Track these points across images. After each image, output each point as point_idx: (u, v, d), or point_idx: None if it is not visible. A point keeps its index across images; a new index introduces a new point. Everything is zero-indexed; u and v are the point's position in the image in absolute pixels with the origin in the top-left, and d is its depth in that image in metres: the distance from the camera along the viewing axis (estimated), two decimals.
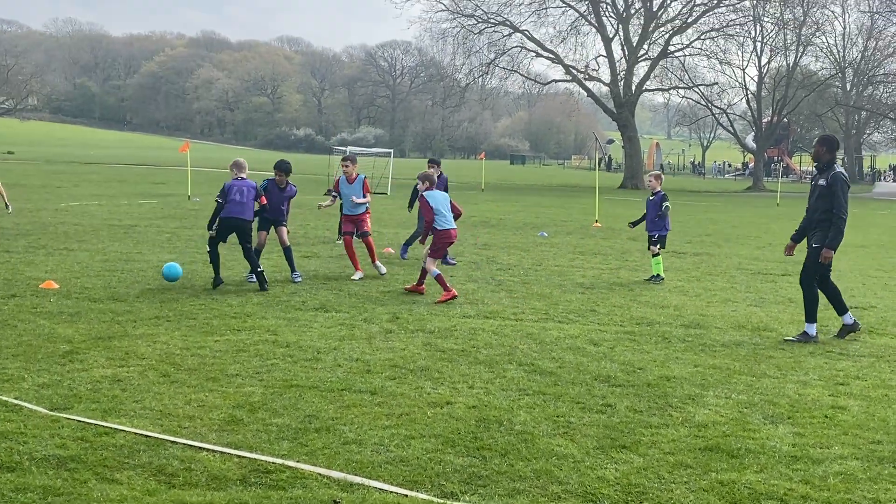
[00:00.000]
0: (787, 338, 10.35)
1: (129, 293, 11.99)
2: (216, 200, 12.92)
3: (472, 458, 5.98)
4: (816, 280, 10.42)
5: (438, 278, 12.21)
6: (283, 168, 13.79)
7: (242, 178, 13.09)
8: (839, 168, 10.33)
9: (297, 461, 5.79)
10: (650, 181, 15.31)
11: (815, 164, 10.57)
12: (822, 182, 10.33)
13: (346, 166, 14.66)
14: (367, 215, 14.92)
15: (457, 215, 13.03)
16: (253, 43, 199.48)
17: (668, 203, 14.99)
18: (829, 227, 10.24)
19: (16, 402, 6.87)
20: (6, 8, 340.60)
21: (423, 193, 12.80)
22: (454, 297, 12.13)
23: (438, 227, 12.63)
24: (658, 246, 14.95)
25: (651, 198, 15.10)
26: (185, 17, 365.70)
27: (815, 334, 10.28)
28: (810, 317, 10.32)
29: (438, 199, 12.73)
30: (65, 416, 6.58)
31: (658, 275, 14.85)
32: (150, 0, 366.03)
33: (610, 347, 9.55)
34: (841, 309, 10.52)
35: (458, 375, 8.13)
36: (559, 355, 9.08)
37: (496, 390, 7.69)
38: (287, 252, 13.76)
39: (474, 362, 8.67)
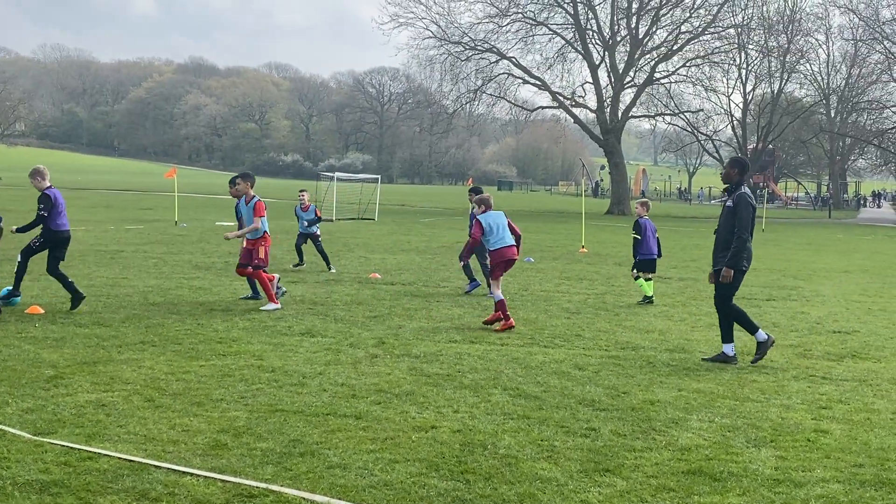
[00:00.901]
0: (704, 357, 10.50)
1: (114, 318, 11.97)
2: (43, 214, 12.57)
3: (456, 482, 5.99)
4: (724, 301, 10.45)
5: (500, 304, 12.20)
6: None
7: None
8: (745, 189, 10.42)
9: (281, 485, 5.79)
10: (637, 208, 15.70)
11: (725, 186, 10.69)
12: (729, 203, 10.46)
13: (236, 185, 13.95)
14: (265, 243, 13.89)
15: (517, 236, 12.87)
16: (241, 69, 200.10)
17: (633, 233, 15.48)
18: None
19: None
20: None
21: (479, 216, 12.73)
22: (512, 327, 12.11)
23: (492, 248, 12.59)
24: (635, 270, 15.42)
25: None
26: (175, 44, 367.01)
27: (733, 354, 10.34)
28: (752, 329, 10.40)
29: (492, 221, 12.61)
30: (48, 440, 6.56)
31: (647, 297, 15.20)
32: (138, 27, 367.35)
33: (595, 372, 9.58)
34: (751, 328, 10.48)
35: (444, 400, 8.15)
36: (544, 380, 9.11)
37: (481, 414, 7.71)
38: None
39: (459, 387, 8.69)
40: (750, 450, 6.89)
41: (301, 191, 20.11)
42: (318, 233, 19.65)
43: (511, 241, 12.65)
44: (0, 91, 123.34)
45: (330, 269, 18.82)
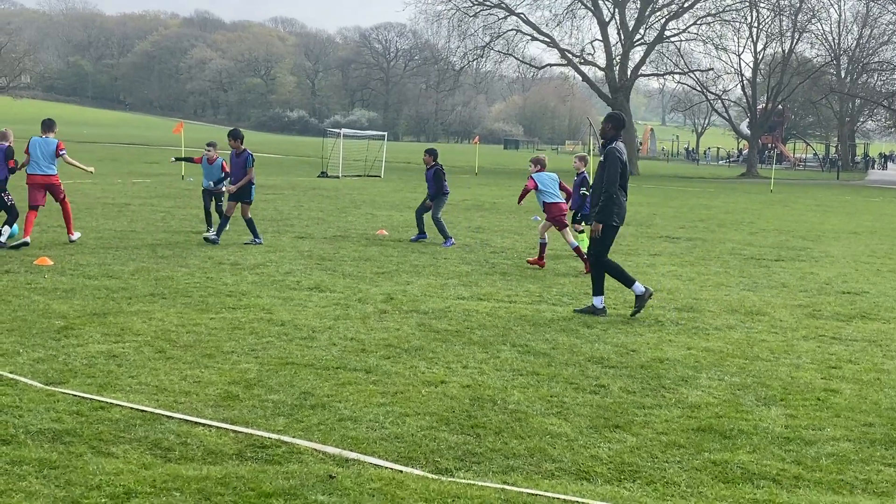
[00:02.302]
0: (576, 308, 10.63)
1: (123, 270, 11.98)
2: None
3: (466, 436, 6.01)
4: (598, 256, 10.48)
5: (543, 246, 14.31)
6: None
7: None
8: (616, 144, 10.39)
9: (293, 437, 5.82)
10: (575, 163, 15.48)
11: (601, 141, 10.73)
12: (601, 158, 10.47)
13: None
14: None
15: (567, 194, 14.91)
16: (247, 23, 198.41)
17: (584, 189, 15.29)
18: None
19: (11, 376, 6.88)
20: None
21: (532, 175, 14.40)
22: (542, 265, 14.18)
23: (548, 201, 14.30)
24: (582, 224, 15.66)
25: (575, 178, 15.35)
26: None
27: (602, 307, 10.45)
28: (628, 281, 10.42)
29: (544, 180, 14.39)
30: (60, 390, 6.59)
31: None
32: None
33: (603, 330, 9.58)
34: (627, 282, 10.50)
35: (453, 355, 8.16)
36: (553, 337, 9.12)
37: (490, 370, 7.72)
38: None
39: (468, 343, 8.69)
40: (760, 408, 6.90)
41: (208, 144, 17.18)
42: (224, 190, 16.36)
43: (560, 198, 14.48)
44: (5, 43, 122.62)
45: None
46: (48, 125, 15.01)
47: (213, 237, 15.31)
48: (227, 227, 15.71)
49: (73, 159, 15.15)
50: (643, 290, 10.41)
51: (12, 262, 12.25)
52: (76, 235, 14.95)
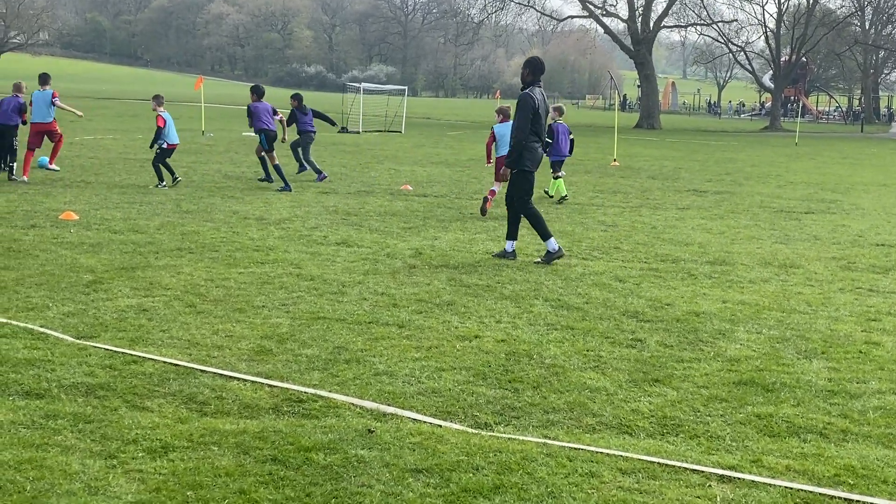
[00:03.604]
0: (492, 253, 10.75)
1: (149, 225, 11.92)
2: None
3: (504, 391, 5.92)
4: (517, 202, 10.48)
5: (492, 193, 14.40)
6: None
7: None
8: (530, 90, 10.22)
9: (330, 391, 5.74)
10: (552, 114, 15.39)
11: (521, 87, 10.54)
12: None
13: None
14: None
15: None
16: None
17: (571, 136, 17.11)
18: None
19: (42, 329, 6.83)
20: None
21: (493, 127, 14.75)
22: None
23: (501, 154, 13.98)
24: (553, 171, 16.77)
25: (559, 126, 16.55)
26: None
27: (511, 251, 10.54)
28: (544, 235, 10.45)
29: (504, 132, 13.71)
30: (92, 344, 6.54)
31: (563, 196, 16.66)
32: None
33: (636, 284, 9.44)
34: (544, 235, 10.49)
35: (485, 310, 8.05)
36: (585, 291, 8.99)
37: (524, 325, 7.61)
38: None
39: (500, 297, 8.58)
40: (801, 361, 6.77)
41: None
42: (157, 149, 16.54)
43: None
44: (23, 0, 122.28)
45: (175, 179, 16.50)
46: (44, 79, 16.97)
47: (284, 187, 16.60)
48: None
49: (65, 104, 17.51)
50: (556, 248, 10.44)
51: (38, 216, 12.21)
52: (55, 167, 17.82)
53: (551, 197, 16.78)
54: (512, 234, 10.59)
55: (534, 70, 10.38)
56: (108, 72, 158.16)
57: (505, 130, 13.54)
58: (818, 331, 7.68)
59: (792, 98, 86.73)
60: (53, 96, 16.64)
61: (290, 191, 16.26)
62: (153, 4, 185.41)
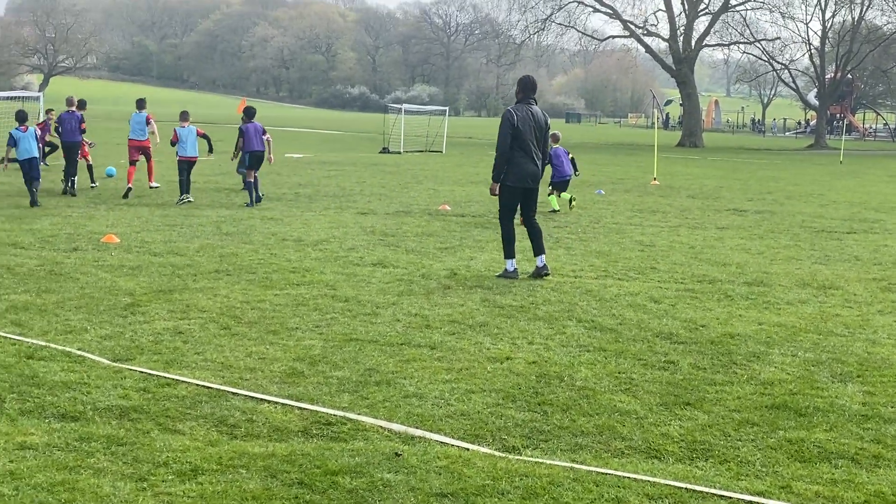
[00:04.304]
0: (497, 274, 10.69)
1: (188, 247, 12.08)
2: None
3: (533, 413, 5.91)
4: (499, 214, 10.72)
5: None
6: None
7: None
8: (511, 107, 10.46)
9: (359, 414, 5.78)
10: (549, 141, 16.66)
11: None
12: None
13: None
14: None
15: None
16: (308, 0, 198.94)
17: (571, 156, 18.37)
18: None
19: (79, 352, 6.96)
20: None
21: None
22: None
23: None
24: (550, 188, 17.85)
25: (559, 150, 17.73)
26: None
27: (513, 269, 10.57)
28: (507, 253, 10.61)
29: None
30: (127, 367, 6.64)
31: (554, 209, 17.68)
32: None
33: (671, 305, 9.38)
34: (507, 253, 10.62)
35: (518, 331, 8.06)
36: (619, 312, 8.95)
37: (556, 346, 7.60)
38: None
39: (533, 318, 8.58)
40: (835, 385, 6.68)
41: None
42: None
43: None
44: (71, 25, 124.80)
45: (181, 199, 17.51)
46: (141, 104, 19.42)
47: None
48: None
49: (155, 129, 19.43)
50: (512, 269, 10.60)
51: (80, 239, 12.44)
52: (156, 184, 19.97)
53: (556, 211, 17.62)
54: (537, 249, 10.69)
55: (523, 88, 10.59)
56: (155, 94, 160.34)
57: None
58: (855, 354, 7.58)
59: (838, 115, 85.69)
60: (148, 119, 18.87)
61: (253, 206, 17.04)
62: (199, 28, 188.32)
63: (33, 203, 16.16)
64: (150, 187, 19.73)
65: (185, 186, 17.59)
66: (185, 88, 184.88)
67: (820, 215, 18.71)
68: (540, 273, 10.60)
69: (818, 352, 7.62)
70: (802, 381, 6.75)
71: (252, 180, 17.38)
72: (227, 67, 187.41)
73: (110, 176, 21.52)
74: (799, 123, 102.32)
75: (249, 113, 18.11)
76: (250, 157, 17.50)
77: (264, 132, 17.85)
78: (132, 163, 18.86)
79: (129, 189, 18.27)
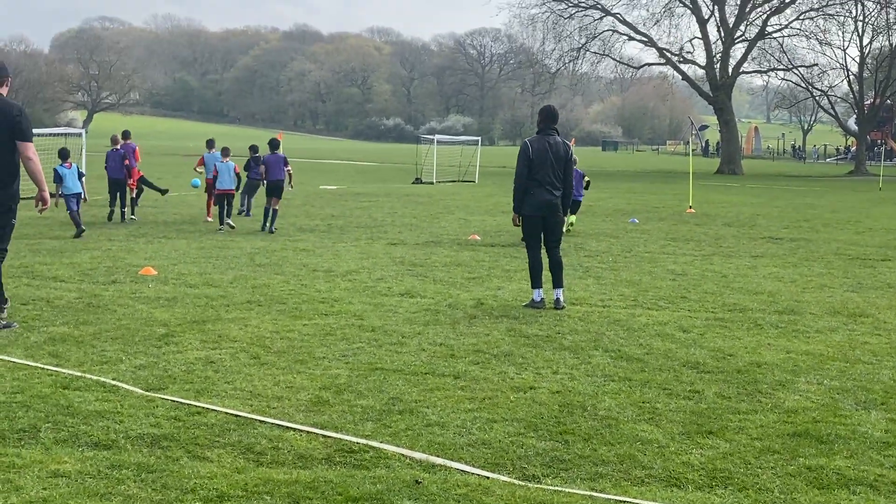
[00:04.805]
0: (524, 304, 10.77)
1: (222, 279, 12.30)
2: None
3: (554, 442, 5.98)
4: (532, 247, 10.83)
5: None
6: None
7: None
8: (530, 139, 10.64)
9: (381, 442, 5.88)
10: None
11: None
12: None
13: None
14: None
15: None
16: (344, 35, 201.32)
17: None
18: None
19: (113, 382, 7.13)
20: (108, 6, 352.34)
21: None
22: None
23: None
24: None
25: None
26: (275, 11, 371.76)
27: (539, 300, 10.63)
28: (533, 283, 10.73)
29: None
30: (159, 396, 6.80)
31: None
32: None
33: (700, 334, 9.40)
34: (534, 282, 10.75)
35: (542, 361, 8.12)
36: (647, 342, 8.99)
37: (581, 376, 7.65)
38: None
39: (559, 348, 8.64)
40: (859, 412, 6.68)
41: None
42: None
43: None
44: (115, 62, 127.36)
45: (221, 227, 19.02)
46: (226, 152, 20.00)
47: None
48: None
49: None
50: (539, 300, 10.66)
51: (119, 272, 12.71)
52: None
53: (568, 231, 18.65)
54: (556, 282, 10.80)
55: (544, 118, 10.75)
56: (196, 129, 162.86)
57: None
58: (881, 381, 7.55)
59: (879, 141, 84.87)
60: (235, 170, 19.67)
61: (264, 231, 18.54)
62: (239, 64, 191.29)
63: (79, 230, 16.95)
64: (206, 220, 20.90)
65: (222, 216, 18.85)
66: (225, 123, 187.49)
67: (855, 242, 18.58)
68: (555, 307, 10.64)
69: (844, 379, 7.61)
70: (826, 409, 6.75)
71: (270, 207, 18.57)
72: (265, 101, 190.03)
73: (195, 187, 23.46)
74: (837, 150, 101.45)
75: (273, 144, 19.20)
76: (270, 186, 18.71)
77: (286, 163, 18.87)
78: (216, 203, 19.88)
79: (226, 225, 18.95)
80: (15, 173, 8.87)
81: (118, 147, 20.14)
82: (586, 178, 19.33)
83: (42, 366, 7.58)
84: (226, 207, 18.95)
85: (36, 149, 8.96)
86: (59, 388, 6.92)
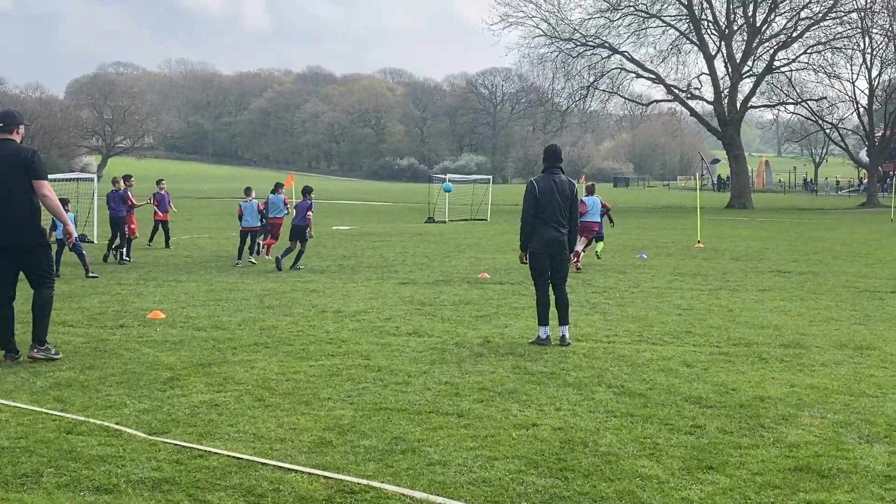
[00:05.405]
0: (530, 341, 10.84)
1: (230, 321, 12.37)
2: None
3: (554, 479, 5.99)
4: (539, 284, 10.94)
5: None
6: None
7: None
8: (535, 178, 10.85)
9: (382, 482, 5.90)
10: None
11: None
12: None
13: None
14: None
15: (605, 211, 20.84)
16: (357, 76, 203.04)
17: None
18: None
19: (117, 427, 7.18)
20: (122, 51, 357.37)
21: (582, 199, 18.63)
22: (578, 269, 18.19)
23: (586, 220, 19.49)
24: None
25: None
26: (288, 54, 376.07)
27: (545, 337, 10.72)
28: (539, 320, 10.82)
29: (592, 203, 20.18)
30: (162, 439, 6.84)
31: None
32: (254, 38, 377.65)
33: (704, 369, 9.40)
34: (540, 319, 10.83)
35: (546, 398, 8.14)
36: (650, 377, 8.99)
37: (583, 412, 7.67)
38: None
39: (563, 385, 8.66)
40: (862, 446, 6.66)
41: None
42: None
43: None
44: (129, 106, 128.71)
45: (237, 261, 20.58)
46: (277, 188, 21.95)
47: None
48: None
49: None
50: (545, 337, 10.73)
51: (126, 316, 12.80)
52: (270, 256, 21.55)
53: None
54: (562, 319, 10.85)
55: (548, 157, 10.98)
56: (210, 172, 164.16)
57: (593, 201, 19.92)
58: (885, 414, 7.53)
59: (891, 173, 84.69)
60: (285, 202, 21.62)
61: (278, 270, 19.14)
62: (252, 106, 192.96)
63: (87, 273, 17.85)
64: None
65: (241, 251, 20.61)
66: (239, 165, 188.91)
67: (864, 275, 18.53)
68: (561, 343, 10.69)
69: (848, 413, 7.59)
70: (828, 443, 6.73)
71: (293, 247, 19.63)
72: (279, 143, 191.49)
73: (448, 192, 26.28)
74: (850, 183, 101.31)
75: (306, 191, 20.20)
76: (294, 229, 19.75)
77: (310, 209, 19.63)
78: (273, 237, 21.70)
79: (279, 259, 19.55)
80: (33, 213, 9.43)
81: (117, 188, 21.50)
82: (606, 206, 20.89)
83: (47, 410, 7.64)
84: (248, 244, 20.55)
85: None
86: (63, 433, 6.98)
